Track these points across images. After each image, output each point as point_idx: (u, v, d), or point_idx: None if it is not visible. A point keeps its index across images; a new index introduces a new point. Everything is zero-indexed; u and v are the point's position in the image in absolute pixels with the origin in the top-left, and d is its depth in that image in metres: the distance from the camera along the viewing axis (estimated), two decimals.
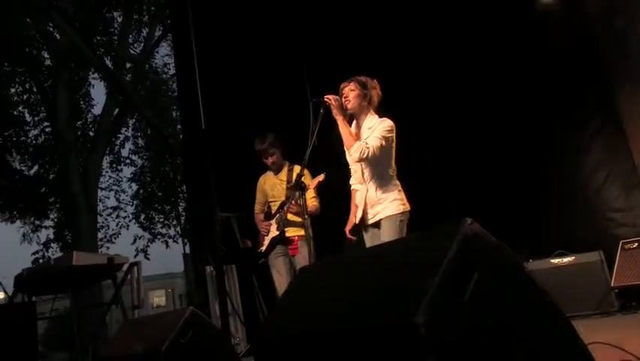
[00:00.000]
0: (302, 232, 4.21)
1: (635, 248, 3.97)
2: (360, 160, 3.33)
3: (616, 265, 4.03)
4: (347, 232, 3.57)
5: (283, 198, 4.35)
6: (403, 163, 3.50)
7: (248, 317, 5.61)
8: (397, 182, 3.47)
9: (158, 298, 29.08)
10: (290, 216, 4.27)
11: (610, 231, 4.96)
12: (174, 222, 14.28)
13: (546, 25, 5.26)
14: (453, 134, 5.55)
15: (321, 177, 3.61)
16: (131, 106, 12.64)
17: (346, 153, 3.57)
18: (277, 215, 4.35)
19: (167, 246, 13.83)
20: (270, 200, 4.48)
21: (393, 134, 3.43)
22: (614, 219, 5.02)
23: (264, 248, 4.41)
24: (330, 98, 3.35)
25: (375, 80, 3.53)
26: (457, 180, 5.44)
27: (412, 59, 5.72)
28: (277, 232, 4.31)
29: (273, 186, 4.45)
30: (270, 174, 4.52)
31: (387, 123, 3.42)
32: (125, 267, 4.71)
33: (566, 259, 4.28)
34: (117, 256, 4.33)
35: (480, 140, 5.45)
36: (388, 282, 1.10)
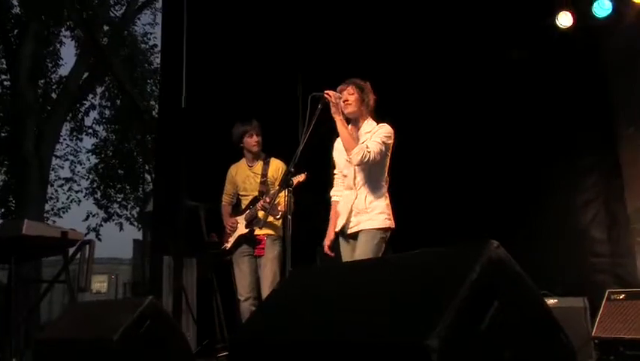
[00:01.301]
0: (271, 232, 4.19)
1: (621, 300, 4.04)
2: (360, 164, 3.33)
3: (599, 315, 4.10)
4: (326, 247, 3.56)
5: (255, 194, 4.30)
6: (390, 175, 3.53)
7: (201, 316, 5.55)
8: (387, 194, 3.48)
9: (99, 284, 28.50)
10: (261, 214, 4.22)
11: (593, 276, 5.06)
12: (132, 204, 14.04)
13: (552, 50, 5.35)
14: (442, 158, 5.62)
15: (302, 177, 3.59)
16: (105, 70, 12.33)
17: (335, 156, 3.56)
18: (247, 211, 4.30)
19: (122, 228, 13.57)
20: (241, 193, 4.43)
21: (392, 141, 3.45)
22: (595, 265, 5.12)
23: (228, 245, 4.37)
24: (330, 95, 3.35)
25: (368, 83, 3.56)
26: (442, 205, 5.49)
27: (407, 65, 5.79)
28: (246, 230, 4.27)
29: (245, 178, 4.40)
30: (243, 165, 4.45)
31: (387, 129, 3.45)
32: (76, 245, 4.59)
33: (549, 301, 4.35)
34: (72, 230, 4.22)
35: (469, 166, 5.54)
36: (399, 296, 1.09)
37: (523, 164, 5.42)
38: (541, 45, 5.42)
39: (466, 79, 5.64)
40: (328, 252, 3.57)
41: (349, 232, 3.47)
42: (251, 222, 4.24)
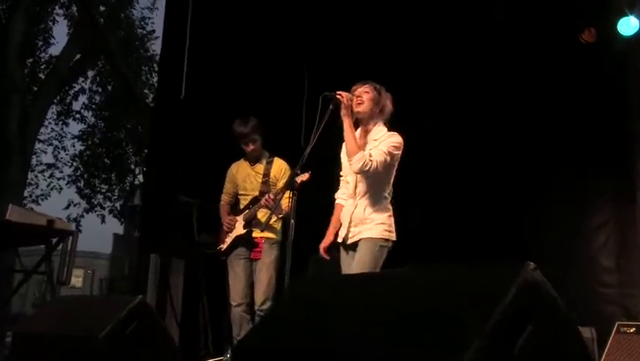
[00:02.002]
0: (269, 235, 4.18)
1: (631, 333, 4.03)
2: (360, 172, 3.33)
3: (607, 347, 4.09)
4: (322, 249, 3.56)
5: (256, 193, 4.29)
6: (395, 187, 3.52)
7: (186, 320, 5.53)
8: (390, 206, 3.49)
9: (74, 278, 28.34)
10: (260, 215, 4.21)
11: (601, 306, 5.05)
12: (116, 196, 13.98)
13: (572, 68, 5.36)
14: (449, 173, 5.61)
15: (305, 177, 3.57)
16: (100, 50, 12.23)
17: (342, 159, 3.56)
18: (246, 211, 4.29)
19: (103, 221, 13.51)
20: (241, 192, 4.42)
21: (400, 153, 3.44)
22: (604, 295, 5.11)
23: (224, 246, 4.34)
24: (342, 95, 3.35)
25: (389, 93, 3.57)
26: (447, 223, 5.48)
27: (419, 66, 5.77)
28: (243, 231, 4.25)
29: (246, 177, 4.39)
30: (244, 163, 4.44)
31: (396, 139, 3.44)
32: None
33: None
34: (59, 220, 4.20)
35: (476, 183, 5.52)
36: (426, 313, 1.08)
37: (534, 182, 5.41)
38: (561, 62, 5.43)
39: (480, 91, 5.64)
40: (323, 254, 3.56)
41: (349, 242, 3.47)
42: (249, 223, 4.22)
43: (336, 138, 3.52)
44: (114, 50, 11.68)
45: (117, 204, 14.15)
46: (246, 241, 4.25)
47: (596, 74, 5.21)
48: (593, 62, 5.22)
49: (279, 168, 4.32)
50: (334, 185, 3.81)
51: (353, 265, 3.38)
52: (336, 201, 3.64)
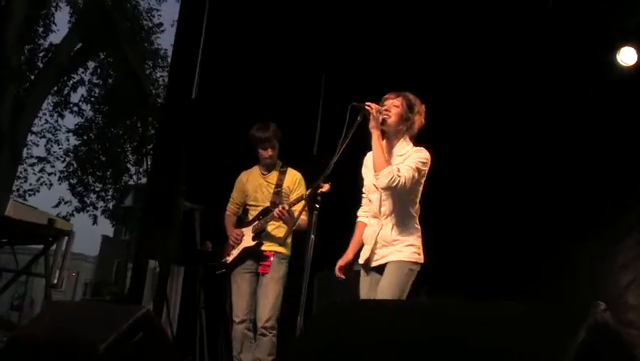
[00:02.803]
0: (280, 249, 4.17)
1: None
2: (388, 188, 3.32)
3: None
4: (338, 268, 3.54)
5: (267, 205, 4.28)
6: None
7: (181, 334, 5.52)
8: (418, 225, 3.47)
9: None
10: (270, 228, 4.21)
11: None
12: (110, 196, 13.99)
13: (608, 92, 5.38)
14: (478, 197, 5.61)
15: (325, 188, 3.58)
16: (106, 41, 12.21)
17: (365, 175, 3.56)
18: (256, 223, 4.28)
19: (95, 222, 13.51)
20: (250, 203, 4.40)
21: (427, 169, 3.44)
22: (630, 335, 5.09)
23: (230, 259, 4.33)
24: (371, 107, 3.35)
25: (423, 106, 3.54)
26: (472, 249, 5.48)
27: (444, 75, 5.79)
28: (253, 243, 4.24)
29: (257, 187, 4.38)
30: (256, 172, 4.43)
31: (423, 154, 3.43)
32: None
33: None
34: (59, 219, 4.20)
35: (503, 211, 5.52)
36: (484, 351, 1.07)
37: (561, 220, 5.41)
38: (595, 85, 5.44)
39: (516, 120, 5.64)
40: (339, 274, 3.54)
41: (373, 264, 3.44)
42: (259, 235, 4.21)
43: (356, 151, 3.51)
44: (123, 38, 11.62)
45: (110, 205, 14.15)
46: (254, 254, 4.23)
47: (627, 107, 5.24)
48: (630, 86, 5.24)
49: (293, 178, 4.31)
50: (348, 200, 3.81)
51: (380, 289, 3.35)
52: (358, 219, 3.62)
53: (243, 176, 4.50)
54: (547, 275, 5.24)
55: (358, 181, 3.64)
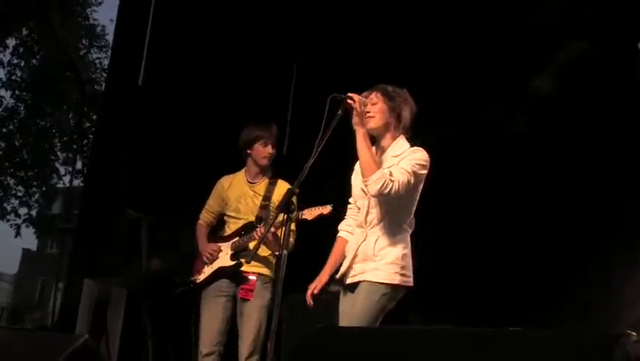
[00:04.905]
0: (264, 270, 4.15)
1: None
2: (379, 195, 3.33)
3: None
4: (309, 293, 3.54)
5: (251, 219, 4.26)
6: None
7: None
8: (408, 241, 3.48)
9: None
10: (253, 245, 4.18)
11: None
12: (34, 201, 13.81)
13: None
14: (485, 205, 5.65)
15: (326, 210, 3.61)
16: (28, 14, 11.98)
17: (354, 181, 3.59)
18: (236, 239, 4.25)
19: (18, 234, 13.32)
20: (230, 213, 4.35)
21: (425, 173, 3.46)
22: None
23: (201, 278, 4.30)
24: (354, 99, 3.36)
25: (405, 90, 3.56)
26: (478, 269, 5.53)
27: (438, 63, 5.83)
28: (231, 263, 4.20)
29: (241, 196, 4.34)
30: (241, 178, 4.39)
31: (420, 155, 3.44)
32: None
33: None
34: None
35: (514, 221, 5.57)
36: None
37: (585, 234, 5.49)
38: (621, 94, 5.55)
39: (525, 107, 5.71)
40: (309, 300, 3.55)
41: (348, 281, 3.46)
42: (238, 254, 4.20)
43: (342, 151, 3.53)
44: (52, 6, 11.36)
45: (34, 212, 13.98)
46: (232, 275, 4.21)
47: None
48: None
49: (284, 191, 4.28)
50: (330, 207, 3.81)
51: (344, 312, 3.39)
52: (339, 234, 3.62)
53: (225, 181, 4.45)
54: (568, 300, 5.31)
55: (346, 188, 3.64)
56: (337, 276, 3.51)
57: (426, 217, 3.62)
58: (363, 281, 3.36)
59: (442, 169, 3.63)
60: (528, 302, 5.21)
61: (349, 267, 3.44)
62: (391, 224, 3.43)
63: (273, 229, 3.82)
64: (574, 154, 5.53)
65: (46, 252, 25.03)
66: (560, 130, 5.59)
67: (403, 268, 3.38)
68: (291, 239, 3.83)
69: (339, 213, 3.69)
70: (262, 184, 4.29)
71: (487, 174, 5.60)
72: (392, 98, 3.49)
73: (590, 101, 5.52)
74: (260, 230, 4.00)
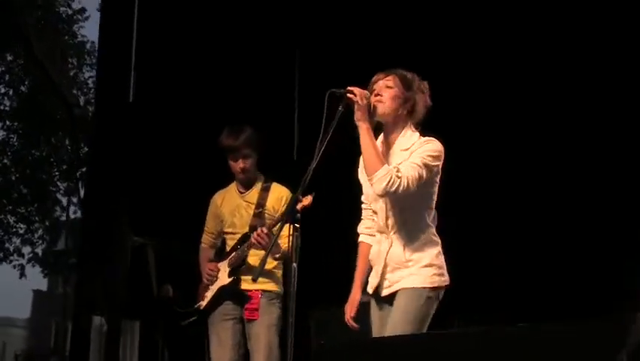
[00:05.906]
0: (268, 286, 4.15)
1: None
2: (385, 194, 3.32)
3: None
4: (348, 315, 3.53)
5: (247, 230, 4.28)
6: None
7: None
8: (437, 238, 3.46)
9: None
10: (252, 259, 4.20)
11: None
12: (37, 238, 13.92)
13: None
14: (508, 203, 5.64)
15: (307, 201, 3.57)
16: (13, 38, 12.08)
17: (362, 179, 3.58)
18: (233, 254, 4.28)
19: (23, 274, 13.43)
20: (227, 230, 4.37)
21: (440, 164, 3.44)
22: None
23: (204, 303, 4.33)
24: (355, 93, 3.35)
25: (425, 83, 3.54)
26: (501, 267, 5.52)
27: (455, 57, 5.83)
28: (228, 280, 4.23)
29: (234, 209, 4.36)
30: (232, 191, 4.41)
31: (433, 145, 3.42)
32: None
33: None
34: None
35: (537, 214, 5.56)
36: None
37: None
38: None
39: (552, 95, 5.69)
40: (351, 323, 3.54)
41: (384, 293, 3.43)
42: (236, 270, 4.20)
43: (350, 149, 3.52)
44: (30, 33, 11.40)
45: (39, 249, 14.10)
46: (233, 294, 4.22)
47: None
48: None
49: (279, 196, 4.27)
50: (343, 213, 3.82)
51: (390, 324, 3.36)
52: (360, 238, 3.60)
53: (218, 197, 4.47)
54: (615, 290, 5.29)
55: (354, 188, 3.64)
56: (369, 290, 3.49)
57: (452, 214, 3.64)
58: (402, 290, 3.35)
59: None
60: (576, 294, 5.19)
61: (382, 278, 3.42)
62: (415, 224, 3.40)
63: (266, 230, 3.85)
64: (605, 150, 5.52)
65: (58, 291, 25.21)
66: (590, 128, 5.58)
67: (439, 267, 3.37)
68: (284, 244, 3.82)
69: (349, 216, 3.71)
70: (254, 192, 4.29)
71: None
72: (409, 86, 3.44)
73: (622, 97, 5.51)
74: (255, 235, 3.99)
